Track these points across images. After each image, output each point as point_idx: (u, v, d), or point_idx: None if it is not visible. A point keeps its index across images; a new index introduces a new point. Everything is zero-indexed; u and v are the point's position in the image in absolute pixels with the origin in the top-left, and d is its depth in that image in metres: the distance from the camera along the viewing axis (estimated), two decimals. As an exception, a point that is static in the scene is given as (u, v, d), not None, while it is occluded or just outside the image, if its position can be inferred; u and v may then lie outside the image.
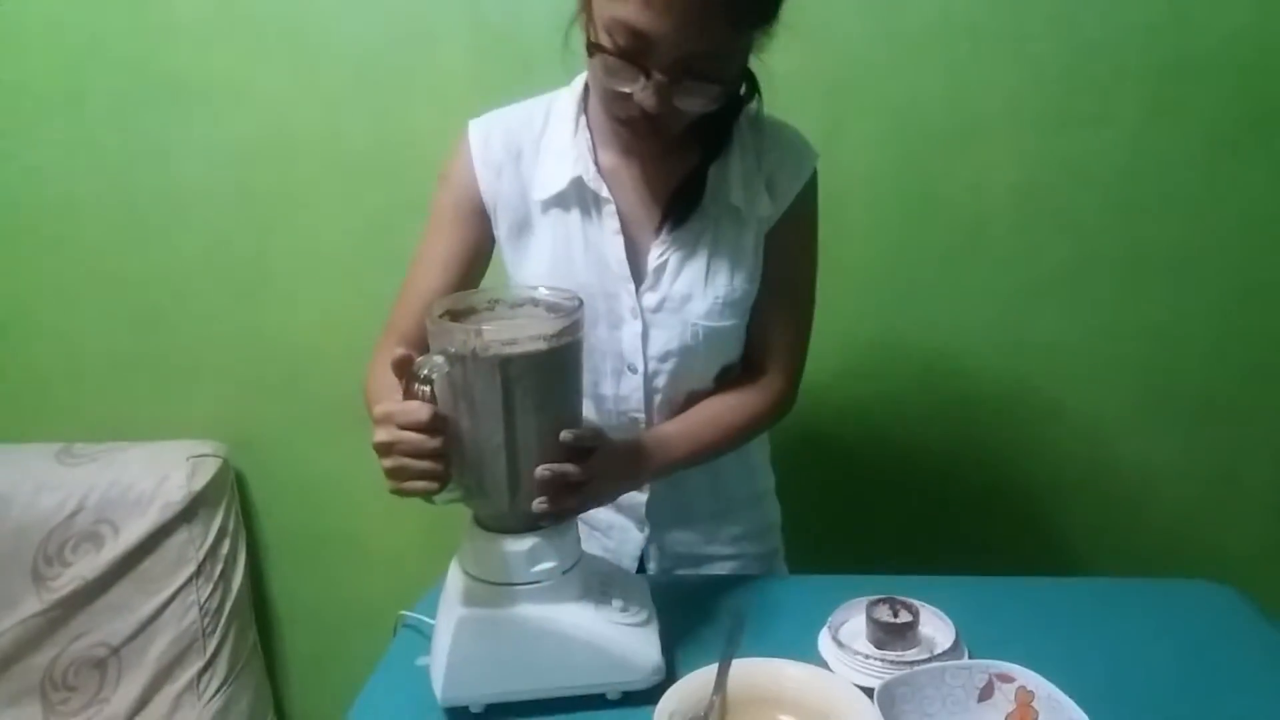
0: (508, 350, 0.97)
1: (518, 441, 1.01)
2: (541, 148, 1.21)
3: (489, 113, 1.26)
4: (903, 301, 1.84)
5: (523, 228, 1.23)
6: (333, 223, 1.78)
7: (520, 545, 1.04)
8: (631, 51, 1.01)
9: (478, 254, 1.25)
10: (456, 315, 1.04)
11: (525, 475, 1.02)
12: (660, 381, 1.24)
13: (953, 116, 1.75)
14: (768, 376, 1.28)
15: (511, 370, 0.97)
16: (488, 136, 1.22)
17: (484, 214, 1.23)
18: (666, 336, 1.22)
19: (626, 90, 1.04)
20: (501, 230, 1.24)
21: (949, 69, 1.72)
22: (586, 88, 1.21)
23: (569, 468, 1.03)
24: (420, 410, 0.95)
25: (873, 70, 1.72)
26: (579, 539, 1.11)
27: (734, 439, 1.27)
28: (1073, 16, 1.69)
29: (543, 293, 1.09)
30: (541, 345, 0.98)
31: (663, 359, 1.23)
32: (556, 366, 1.01)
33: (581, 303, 1.03)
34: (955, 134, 1.76)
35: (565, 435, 1.02)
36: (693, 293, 1.20)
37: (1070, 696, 0.95)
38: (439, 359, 0.97)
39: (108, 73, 1.81)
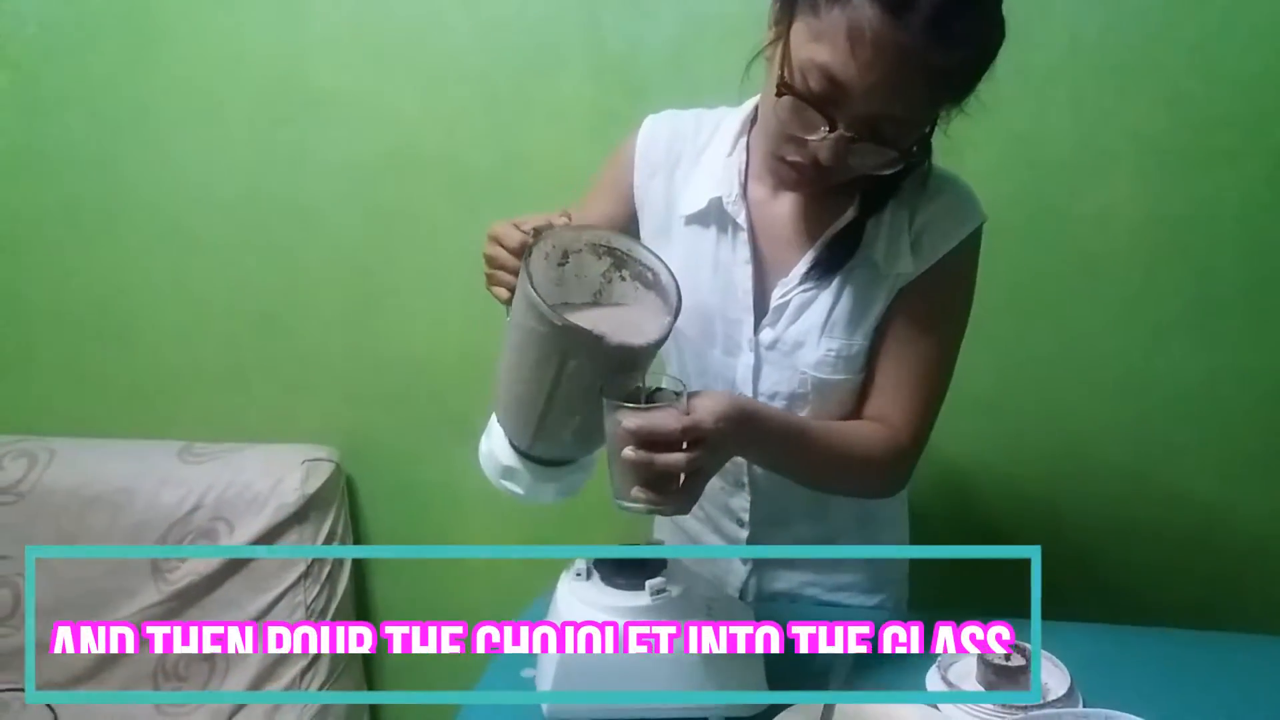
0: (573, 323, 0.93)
1: (555, 404, 0.99)
2: (700, 161, 1.22)
3: (669, 110, 1.27)
4: (1021, 337, 1.81)
5: (661, 234, 1.24)
6: (451, 239, 1.82)
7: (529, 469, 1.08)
8: (823, 99, 0.98)
9: (622, 229, 1.25)
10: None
11: (549, 433, 1.03)
12: None
13: (1077, 149, 1.71)
14: (891, 430, 1.17)
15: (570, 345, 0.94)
16: (654, 137, 1.24)
17: (632, 205, 1.26)
18: (777, 377, 1.20)
19: (804, 136, 1.01)
20: (645, 229, 1.25)
21: (1075, 102, 1.69)
22: (754, 113, 1.19)
23: (676, 459, 0.93)
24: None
25: (995, 101, 1.70)
26: (584, 481, 1.12)
27: (838, 456, 1.14)
28: (1209, 51, 1.64)
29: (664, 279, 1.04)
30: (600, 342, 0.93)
31: (771, 397, 1.21)
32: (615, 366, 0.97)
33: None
34: (1079, 167, 1.72)
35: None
36: (806, 340, 1.17)
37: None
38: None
39: (246, 88, 1.89)
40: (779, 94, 1.00)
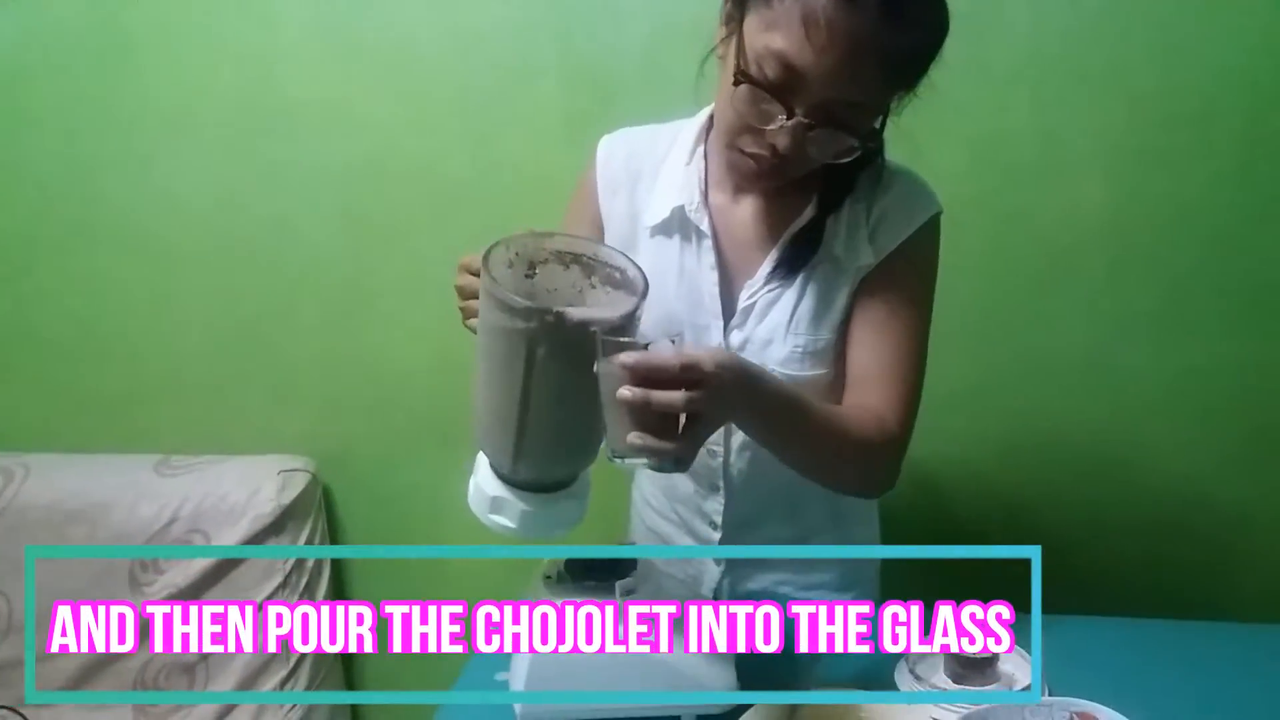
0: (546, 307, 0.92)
1: (530, 411, 0.96)
2: (660, 174, 1.23)
3: (623, 129, 1.29)
4: (988, 337, 1.82)
5: (627, 249, 1.22)
6: (428, 247, 1.84)
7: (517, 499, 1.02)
8: (780, 86, 1.00)
9: None
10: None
11: (530, 443, 0.99)
12: None
13: (1040, 150, 1.73)
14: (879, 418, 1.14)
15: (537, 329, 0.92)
16: (611, 155, 1.27)
17: (601, 226, 1.28)
18: None
19: (762, 126, 1.03)
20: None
21: (1036, 102, 1.72)
22: (709, 122, 1.21)
23: (674, 396, 0.88)
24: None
25: (954, 102, 1.72)
26: (580, 511, 1.07)
27: (835, 432, 1.08)
28: (1172, 50, 1.67)
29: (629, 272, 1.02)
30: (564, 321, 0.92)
31: None
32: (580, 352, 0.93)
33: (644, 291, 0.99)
34: (1042, 168, 1.74)
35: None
36: (773, 338, 1.19)
37: (1156, 740, 0.93)
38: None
39: (220, 99, 1.89)
40: (736, 83, 1.02)
